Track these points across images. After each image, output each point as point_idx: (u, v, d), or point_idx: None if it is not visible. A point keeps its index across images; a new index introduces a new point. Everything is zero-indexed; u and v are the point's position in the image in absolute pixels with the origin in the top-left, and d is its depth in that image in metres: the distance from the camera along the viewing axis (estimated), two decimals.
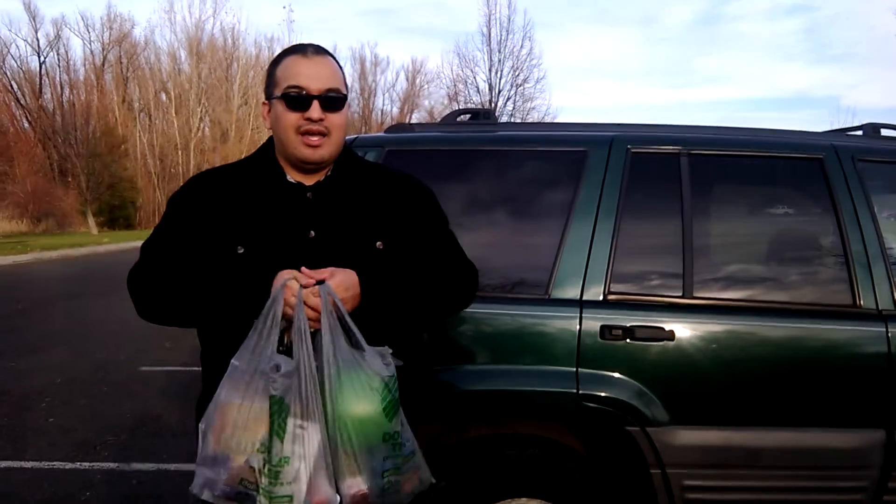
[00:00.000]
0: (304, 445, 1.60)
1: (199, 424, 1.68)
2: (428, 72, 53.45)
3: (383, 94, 56.55)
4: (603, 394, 2.45)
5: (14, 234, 29.41)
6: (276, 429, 1.58)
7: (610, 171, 2.63)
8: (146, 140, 44.19)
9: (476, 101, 37.41)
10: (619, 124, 2.90)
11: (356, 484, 1.63)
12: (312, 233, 1.83)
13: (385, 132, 2.97)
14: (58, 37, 42.60)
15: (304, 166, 1.87)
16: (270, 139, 1.95)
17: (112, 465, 4.48)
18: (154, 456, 4.62)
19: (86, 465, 4.48)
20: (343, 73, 1.92)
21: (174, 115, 45.12)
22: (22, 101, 41.17)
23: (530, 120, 35.67)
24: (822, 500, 2.53)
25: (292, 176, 1.90)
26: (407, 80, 55.73)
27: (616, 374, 2.47)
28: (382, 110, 55.19)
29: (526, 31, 43.13)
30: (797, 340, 2.54)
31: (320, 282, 1.69)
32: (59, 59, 42.81)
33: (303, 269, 1.72)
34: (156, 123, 45.84)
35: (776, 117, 76.80)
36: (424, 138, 2.90)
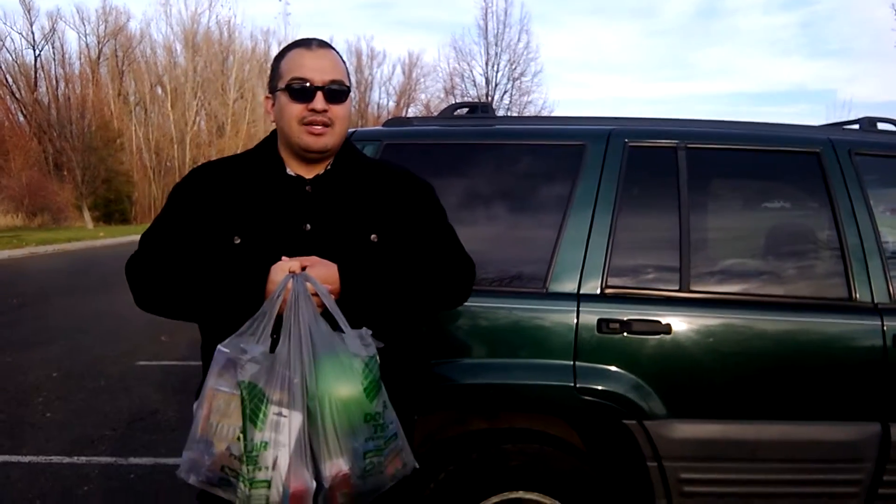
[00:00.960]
0: (283, 433, 1.62)
1: (194, 405, 1.72)
2: (424, 65, 53.56)
3: (380, 88, 56.40)
4: (600, 387, 2.46)
5: (9, 229, 29.33)
6: (250, 415, 1.60)
7: (607, 164, 2.63)
8: (142, 134, 44.05)
9: (472, 94, 37.45)
10: (616, 118, 2.90)
11: (338, 465, 1.64)
12: (308, 226, 1.85)
13: (383, 126, 2.97)
14: (53, 30, 42.43)
15: (307, 156, 1.88)
16: (273, 132, 1.97)
17: (109, 459, 4.48)
18: (151, 450, 4.63)
19: (83, 459, 4.49)
20: (346, 67, 1.93)
21: (170, 108, 44.98)
22: (17, 95, 40.99)
23: (527, 114, 35.65)
24: (817, 493, 2.55)
25: (293, 169, 1.91)
26: (403, 73, 55.63)
27: (613, 368, 2.48)
28: (379, 104, 55.07)
29: (523, 24, 43.24)
30: (793, 334, 2.55)
31: (304, 268, 1.72)
32: (54, 53, 42.66)
33: (283, 258, 1.74)
34: (151, 117, 45.70)
35: (773, 111, 76.98)
36: (423, 132, 2.90)
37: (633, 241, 2.61)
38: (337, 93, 1.85)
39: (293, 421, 1.62)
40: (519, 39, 37.92)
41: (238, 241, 1.82)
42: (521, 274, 2.63)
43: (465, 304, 2.07)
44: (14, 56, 41.73)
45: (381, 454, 1.69)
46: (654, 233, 2.70)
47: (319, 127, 1.83)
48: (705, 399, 2.52)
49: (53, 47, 42.65)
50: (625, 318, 2.49)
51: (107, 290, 11.40)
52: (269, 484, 1.61)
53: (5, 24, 49.53)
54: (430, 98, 47.72)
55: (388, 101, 55.71)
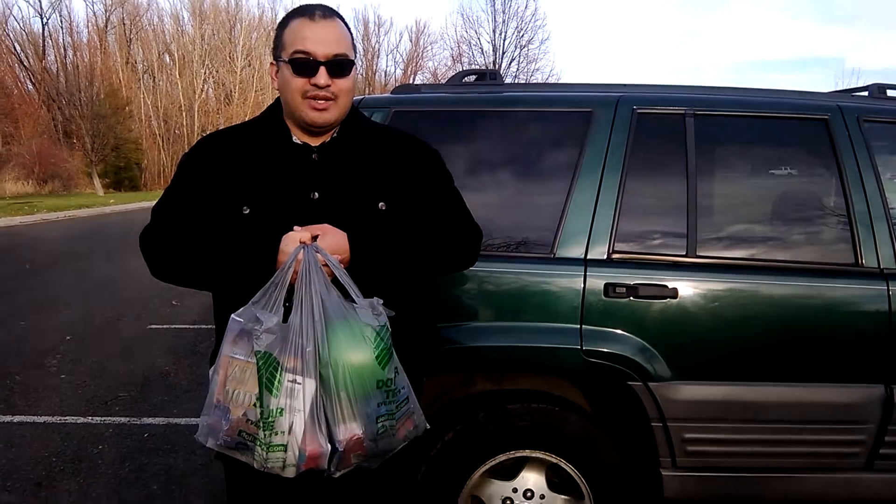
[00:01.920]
0: (298, 399, 1.66)
1: (210, 370, 1.76)
2: (431, 33, 53.24)
3: (387, 56, 56.35)
4: (606, 350, 2.50)
5: (21, 196, 29.50)
6: (266, 383, 1.64)
7: (615, 131, 2.64)
8: (150, 102, 44.04)
9: (480, 62, 37.19)
10: (624, 85, 2.90)
11: (351, 429, 1.68)
12: (316, 194, 1.86)
13: (392, 93, 2.98)
14: None
15: (311, 129, 1.88)
16: (277, 100, 1.96)
17: (123, 419, 4.57)
18: (164, 411, 4.72)
19: (97, 419, 4.58)
20: (351, 36, 1.91)
21: (178, 76, 44.91)
22: (25, 63, 40.93)
23: (534, 81, 35.39)
24: (820, 453, 2.59)
25: (298, 137, 1.91)
26: (410, 41, 55.26)
27: (619, 331, 2.51)
28: (386, 72, 54.69)
29: None
30: (799, 298, 2.57)
31: (314, 237, 1.74)
32: (61, 21, 42.52)
33: (295, 227, 1.76)
34: (160, 85, 45.65)
35: (781, 79, 75.98)
36: (431, 99, 2.91)
37: (641, 206, 2.63)
38: (341, 65, 1.83)
39: (307, 388, 1.66)
40: (526, 6, 37.91)
41: (247, 212, 1.83)
42: (528, 239, 2.65)
43: (474, 268, 2.10)
44: (22, 24, 41.73)
45: (394, 418, 1.73)
46: (661, 199, 2.70)
47: (322, 102, 1.82)
48: (710, 362, 2.55)
49: (61, 15, 42.85)
50: (631, 283, 2.52)
51: (118, 255, 11.51)
52: (285, 448, 1.66)
53: None
54: (437, 66, 47.39)
55: (395, 69, 55.34)
